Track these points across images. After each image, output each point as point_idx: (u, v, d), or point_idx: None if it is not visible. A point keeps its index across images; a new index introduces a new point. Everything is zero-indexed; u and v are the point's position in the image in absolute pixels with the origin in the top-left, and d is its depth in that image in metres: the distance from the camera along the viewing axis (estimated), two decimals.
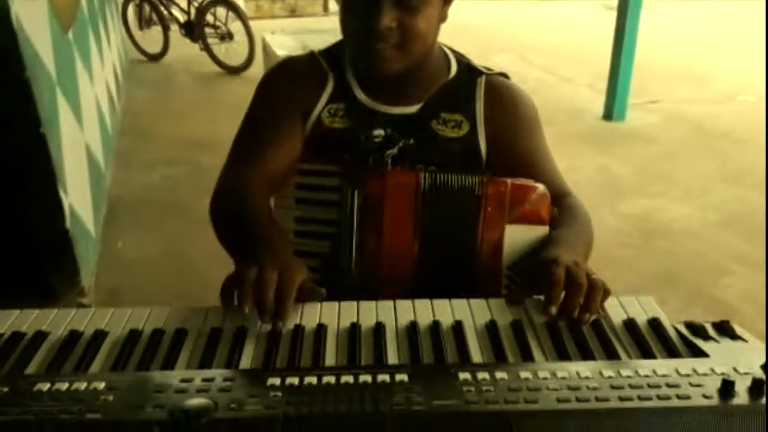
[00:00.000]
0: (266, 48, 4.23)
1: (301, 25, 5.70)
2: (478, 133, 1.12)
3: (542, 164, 1.16)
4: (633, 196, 3.36)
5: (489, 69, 1.18)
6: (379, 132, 1.11)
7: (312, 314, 0.87)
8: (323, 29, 4.61)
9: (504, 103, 1.14)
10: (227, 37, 5.81)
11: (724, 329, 0.84)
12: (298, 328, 0.84)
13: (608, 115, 4.48)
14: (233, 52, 5.78)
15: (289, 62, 1.21)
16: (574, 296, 0.84)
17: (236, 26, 5.72)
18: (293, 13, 8.65)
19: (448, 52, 1.18)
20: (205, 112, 4.75)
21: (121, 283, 2.62)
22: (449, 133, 1.12)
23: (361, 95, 1.12)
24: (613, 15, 4.40)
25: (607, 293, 0.87)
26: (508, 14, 8.93)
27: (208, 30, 5.85)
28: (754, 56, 6.20)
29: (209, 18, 5.82)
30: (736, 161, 3.79)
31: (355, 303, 0.90)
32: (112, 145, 3.81)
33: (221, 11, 5.78)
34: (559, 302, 0.84)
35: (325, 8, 8.70)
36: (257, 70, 5.28)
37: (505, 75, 1.19)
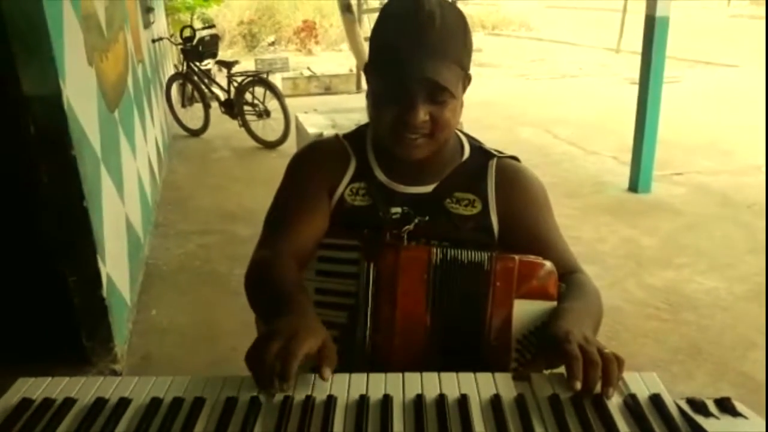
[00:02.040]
0: (299, 126, 4.44)
1: (334, 103, 5.94)
2: (490, 211, 1.18)
3: (551, 241, 1.20)
4: (659, 268, 3.34)
5: (500, 152, 1.25)
6: (397, 210, 1.18)
7: (323, 385, 0.91)
8: (353, 108, 4.82)
9: (514, 185, 1.20)
10: (264, 114, 6.06)
11: (726, 406, 0.86)
12: (309, 399, 0.88)
13: (633, 187, 4.50)
14: (270, 128, 6.02)
15: (316, 145, 1.31)
16: (592, 372, 0.87)
17: (273, 104, 5.97)
18: (328, 90, 9.00)
19: (462, 136, 1.26)
20: (241, 185, 4.93)
21: (154, 350, 2.69)
22: (462, 211, 1.18)
23: (380, 175, 1.20)
24: (636, 89, 4.50)
25: (622, 364, 0.90)
26: (533, 89, 9.13)
27: (246, 108, 6.11)
28: None
29: (248, 96, 6.09)
30: (761, 233, 3.75)
31: (365, 375, 0.94)
32: (151, 216, 3.98)
33: (259, 90, 6.05)
34: (581, 376, 0.87)
35: (358, 86, 9.04)
36: (291, 145, 5.49)
37: (515, 158, 1.26)
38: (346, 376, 0.94)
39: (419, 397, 0.89)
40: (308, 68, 9.73)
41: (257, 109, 6.08)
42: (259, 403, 0.87)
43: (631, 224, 3.94)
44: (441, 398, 0.88)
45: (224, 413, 0.86)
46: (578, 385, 0.87)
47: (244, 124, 6.15)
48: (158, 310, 3.04)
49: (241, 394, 0.89)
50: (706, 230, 3.85)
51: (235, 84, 6.19)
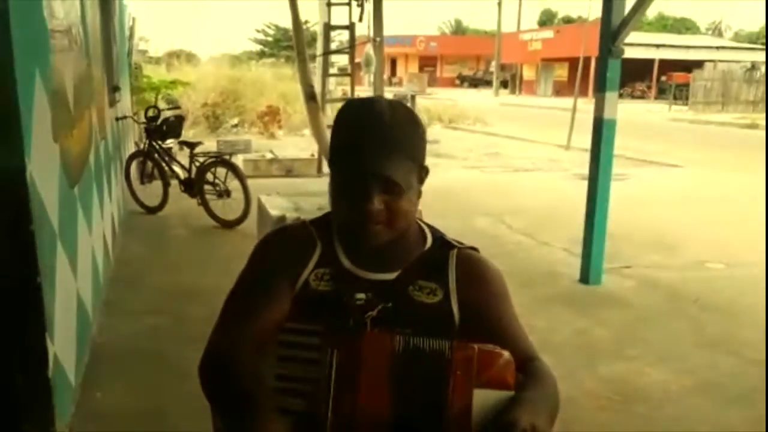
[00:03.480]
0: (261, 208, 4.47)
1: (295, 186, 6.03)
2: (451, 300, 1.21)
3: (510, 331, 1.24)
4: (610, 360, 3.41)
5: (460, 243, 1.30)
6: (361, 296, 1.20)
7: None
8: (315, 191, 4.89)
9: (474, 276, 1.25)
10: (225, 194, 6.09)
11: None
12: None
13: (584, 279, 4.63)
14: (229, 208, 6.03)
15: (282, 231, 1.34)
16: None
17: (234, 184, 6.03)
18: (289, 173, 9.12)
19: (425, 226, 1.32)
20: (196, 264, 4.87)
21: None
22: (425, 299, 1.21)
23: (345, 262, 1.23)
24: (585, 184, 4.71)
25: None
26: (488, 181, 9.46)
27: (207, 187, 6.14)
28: (720, 224, 6.56)
29: (209, 176, 6.13)
30: (708, 327, 3.90)
31: None
32: (101, 293, 3.88)
33: (221, 170, 6.12)
34: None
35: (319, 170, 9.20)
36: (250, 225, 5.50)
37: (474, 249, 1.31)
38: None
39: None
40: (270, 151, 9.89)
41: (218, 188, 6.12)
42: None
43: (583, 315, 4.03)
44: None
45: None
46: None
47: (203, 203, 6.15)
48: (103, 392, 2.92)
49: None
50: (655, 323, 3.96)
51: (197, 164, 6.24)
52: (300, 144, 12.16)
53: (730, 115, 23.00)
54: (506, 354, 1.13)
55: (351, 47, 8.91)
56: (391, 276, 1.22)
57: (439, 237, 1.30)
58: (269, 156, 9.56)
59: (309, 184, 7.86)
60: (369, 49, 8.61)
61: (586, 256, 4.65)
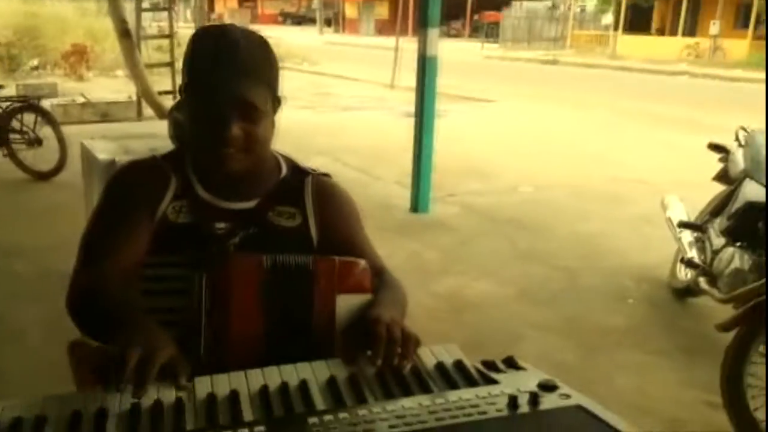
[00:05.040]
0: (87, 153, 4.11)
1: (114, 130, 5.58)
2: (309, 223, 1.30)
3: (363, 247, 1.37)
4: (441, 277, 3.78)
5: (313, 169, 1.39)
6: (221, 225, 1.24)
7: (169, 392, 0.95)
8: (141, 134, 4.60)
9: (329, 199, 1.34)
10: (35, 143, 5.55)
11: (510, 362, 1.09)
12: (156, 404, 0.92)
13: (415, 208, 5.00)
14: (41, 158, 5.52)
15: (133, 165, 1.32)
16: (393, 348, 1.04)
17: (46, 131, 5.51)
18: (105, 117, 8.42)
19: (278, 154, 1.37)
20: (9, 219, 4.43)
21: None
22: (284, 223, 1.28)
23: (202, 192, 1.25)
24: (410, 121, 5.01)
25: (418, 343, 1.08)
26: (321, 121, 9.55)
27: (13, 136, 5.54)
28: (529, 153, 7.31)
29: (15, 124, 5.53)
30: (521, 242, 4.43)
31: (208, 377, 1.00)
32: None
33: (29, 117, 5.54)
34: (382, 355, 1.03)
35: (139, 113, 8.60)
36: (70, 174, 5.08)
37: (327, 175, 1.41)
38: (190, 382, 0.98)
39: (264, 388, 0.97)
40: (82, 95, 9.04)
41: (26, 137, 5.53)
42: (106, 414, 0.89)
43: (415, 240, 4.38)
44: (284, 385, 0.98)
45: (71, 429, 0.87)
46: (378, 362, 1.03)
47: (10, 154, 5.56)
48: None
49: (87, 407, 0.91)
50: (477, 243, 4.42)
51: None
52: (114, 86, 11.25)
53: (534, 52, 25.04)
54: (363, 263, 1.26)
55: None
56: (251, 204, 1.27)
57: (293, 164, 1.36)
58: (81, 100, 8.75)
59: (129, 128, 7.34)
60: None
61: (415, 187, 4.98)
